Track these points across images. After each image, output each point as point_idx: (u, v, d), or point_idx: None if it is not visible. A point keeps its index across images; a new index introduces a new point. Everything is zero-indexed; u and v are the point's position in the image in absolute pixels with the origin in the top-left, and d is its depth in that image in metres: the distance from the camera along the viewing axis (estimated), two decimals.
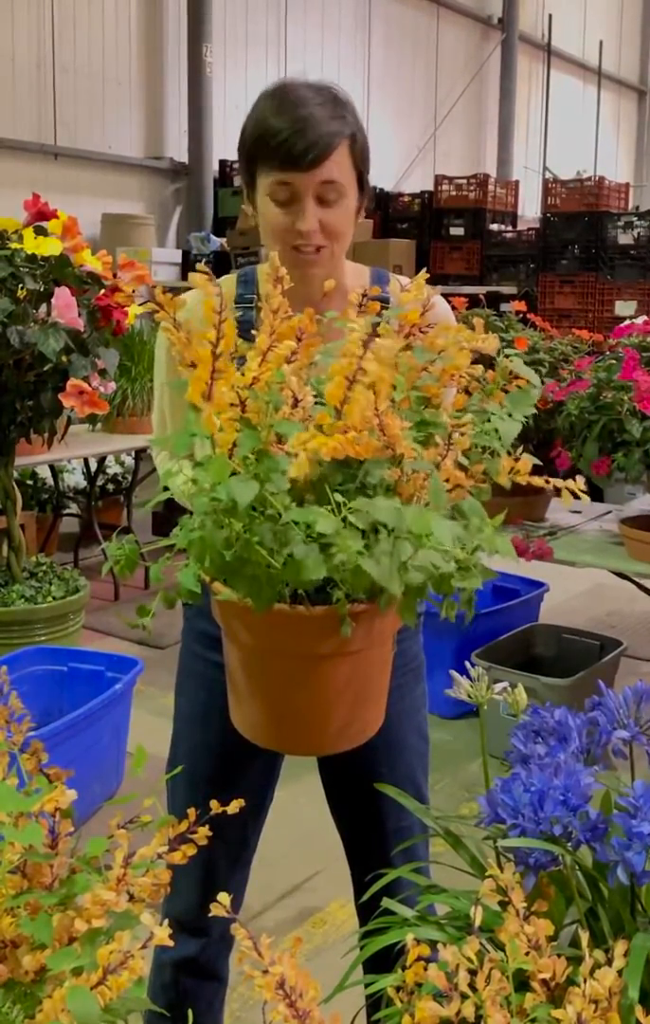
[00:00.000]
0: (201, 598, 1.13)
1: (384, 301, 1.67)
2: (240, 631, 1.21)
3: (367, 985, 1.15)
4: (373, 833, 1.81)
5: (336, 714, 1.24)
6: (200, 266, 1.18)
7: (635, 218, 8.56)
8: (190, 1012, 1.85)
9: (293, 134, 1.52)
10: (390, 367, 1.07)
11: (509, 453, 1.22)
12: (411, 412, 1.19)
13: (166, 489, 1.24)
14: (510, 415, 1.23)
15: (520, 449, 1.23)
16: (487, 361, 1.26)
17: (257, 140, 1.57)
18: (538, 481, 1.23)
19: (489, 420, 1.22)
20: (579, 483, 1.20)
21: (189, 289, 1.78)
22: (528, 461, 1.20)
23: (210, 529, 1.09)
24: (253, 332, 1.17)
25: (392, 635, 1.26)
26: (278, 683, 1.23)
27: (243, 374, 1.13)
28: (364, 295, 1.31)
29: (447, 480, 1.16)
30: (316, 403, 1.12)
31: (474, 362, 1.21)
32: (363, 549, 1.05)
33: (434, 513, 1.09)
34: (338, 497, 1.08)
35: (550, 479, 1.23)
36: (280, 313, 1.14)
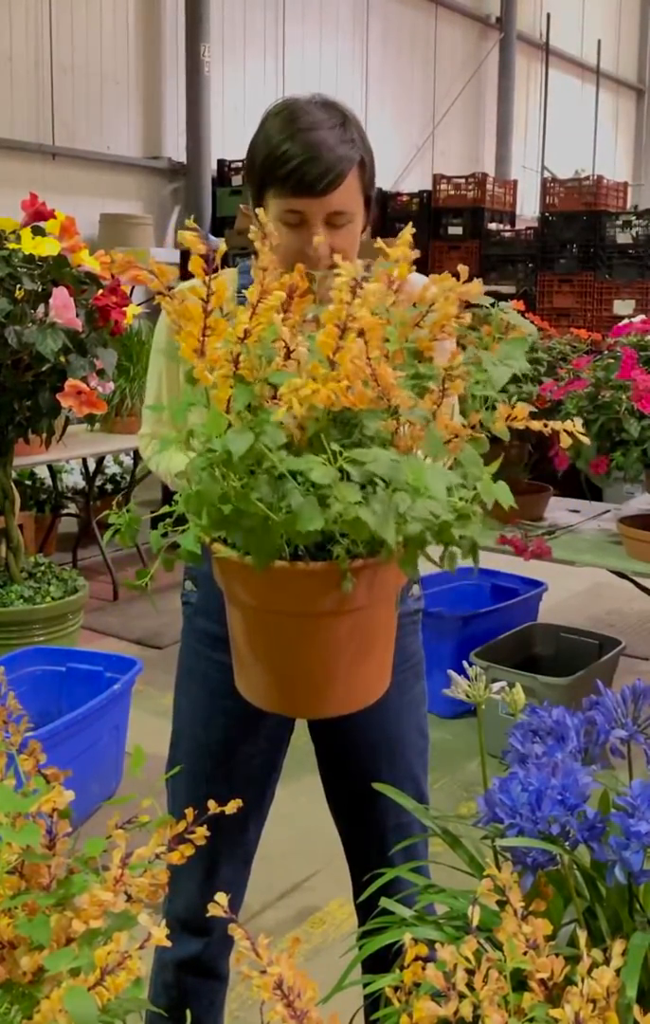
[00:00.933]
0: (202, 560, 1.12)
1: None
2: (241, 592, 1.21)
3: (366, 985, 1.15)
4: (372, 830, 1.81)
5: (339, 674, 1.23)
6: (190, 222, 1.18)
7: (633, 217, 8.56)
8: (191, 1011, 1.85)
9: (306, 162, 1.53)
10: (380, 314, 1.07)
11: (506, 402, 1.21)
12: (405, 365, 1.18)
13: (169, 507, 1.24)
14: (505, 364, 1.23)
15: (514, 398, 1.22)
16: (482, 318, 1.26)
17: (268, 165, 1.57)
18: (536, 425, 1.21)
19: (482, 369, 1.22)
20: (577, 424, 1.19)
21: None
22: (524, 408, 1.19)
23: (207, 483, 1.09)
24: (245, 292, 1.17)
25: (395, 593, 1.25)
26: (281, 644, 1.22)
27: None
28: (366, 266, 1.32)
29: (445, 430, 1.16)
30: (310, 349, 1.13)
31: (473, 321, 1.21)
32: (360, 499, 1.05)
33: (431, 464, 1.09)
34: (334, 446, 1.07)
35: (548, 423, 1.21)
36: (270, 271, 1.14)
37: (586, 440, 1.20)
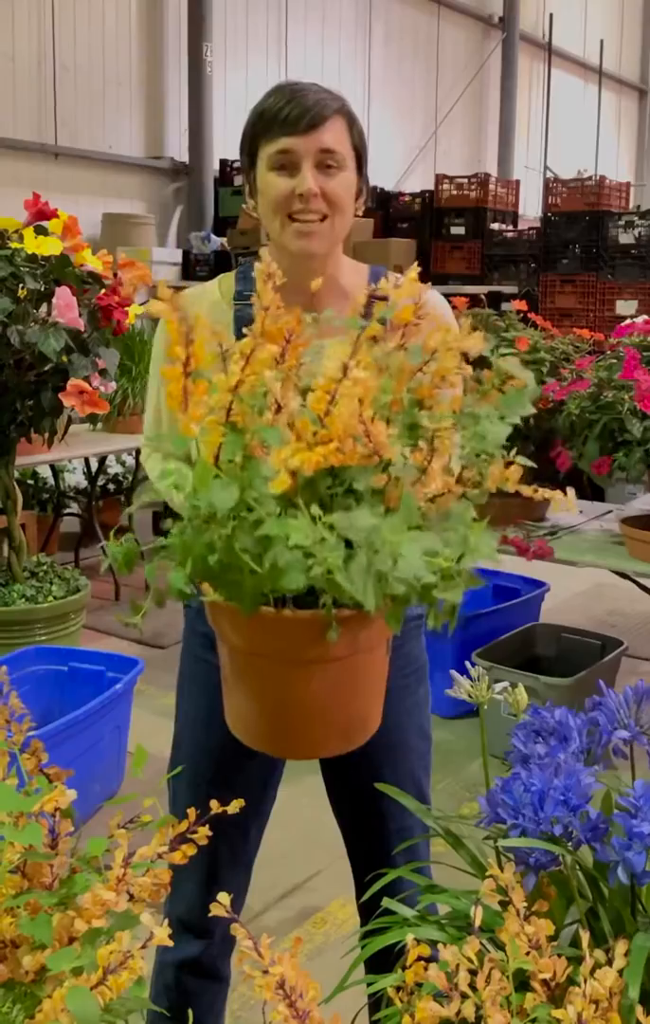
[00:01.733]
0: (191, 596, 1.12)
1: (384, 299, 1.67)
2: (229, 633, 1.21)
3: (369, 985, 1.15)
4: (375, 833, 1.81)
5: (326, 718, 1.23)
6: (163, 283, 1.17)
7: (636, 217, 8.55)
8: (193, 1012, 1.85)
9: (289, 103, 1.60)
10: (367, 389, 1.06)
11: (504, 456, 1.19)
12: (402, 415, 1.17)
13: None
14: (502, 417, 1.21)
15: (514, 451, 1.21)
16: (483, 362, 1.24)
17: (257, 119, 1.63)
18: (527, 490, 1.19)
19: (479, 423, 1.20)
20: (570, 495, 1.17)
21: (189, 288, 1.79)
22: (519, 469, 1.17)
23: (192, 534, 1.08)
24: (246, 331, 1.16)
25: (383, 642, 1.25)
26: (267, 686, 1.22)
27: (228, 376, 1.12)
28: (370, 296, 1.31)
29: (435, 486, 1.14)
30: (302, 405, 1.12)
31: (473, 364, 1.19)
32: (341, 563, 1.04)
33: (410, 531, 1.08)
34: (316, 510, 1.06)
35: (539, 488, 1.19)
36: (271, 311, 1.14)
37: (575, 509, 1.19)
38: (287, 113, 1.59)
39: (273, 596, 1.11)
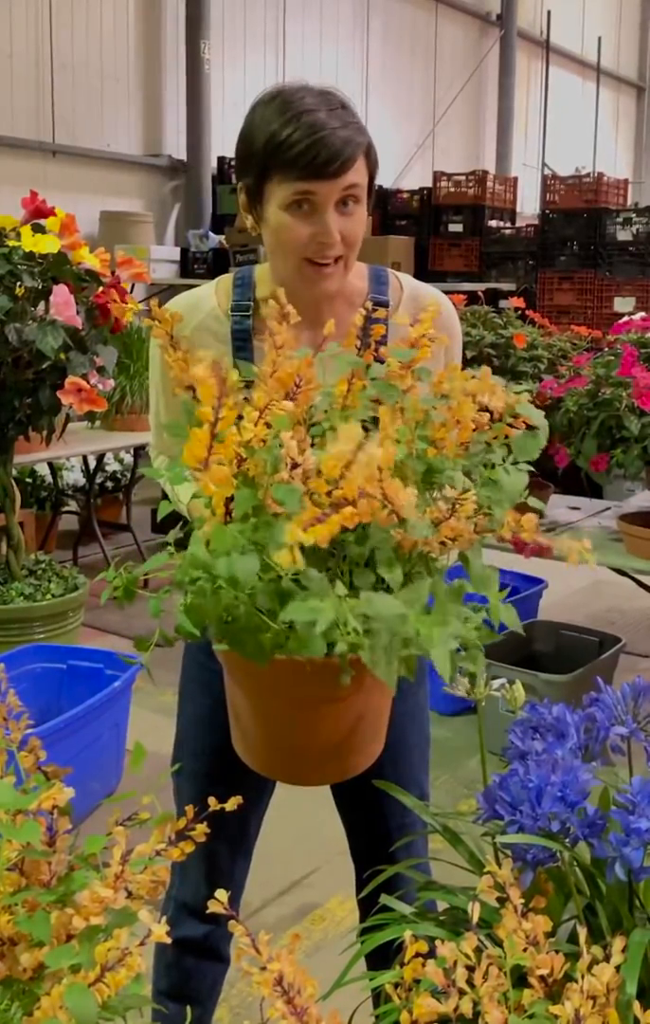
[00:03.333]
0: (200, 638, 1.11)
1: (383, 305, 1.65)
2: (241, 677, 1.22)
3: (371, 980, 1.15)
4: (376, 831, 1.82)
5: (333, 753, 1.26)
6: (155, 302, 1.14)
7: (634, 214, 8.56)
8: (192, 990, 1.88)
9: (314, 143, 1.45)
10: (376, 466, 1.01)
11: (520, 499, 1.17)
12: (415, 460, 1.14)
13: (164, 496, 1.22)
14: (515, 462, 1.18)
15: (526, 493, 1.18)
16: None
17: (270, 151, 1.48)
18: (545, 541, 1.16)
19: (494, 467, 1.17)
20: (586, 544, 1.13)
21: (188, 287, 1.77)
22: (533, 518, 1.14)
23: (209, 599, 1.06)
24: (247, 353, 1.15)
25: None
26: (276, 723, 1.24)
27: (240, 425, 1.09)
28: (366, 318, 1.30)
29: (450, 533, 1.12)
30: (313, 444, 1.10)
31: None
32: (364, 640, 1.03)
33: (439, 627, 1.06)
34: (341, 588, 1.04)
35: (554, 539, 1.16)
36: (284, 351, 1.12)
37: (592, 561, 1.15)
38: (312, 156, 1.45)
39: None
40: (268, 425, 1.10)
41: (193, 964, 1.87)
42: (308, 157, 1.45)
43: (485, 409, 1.16)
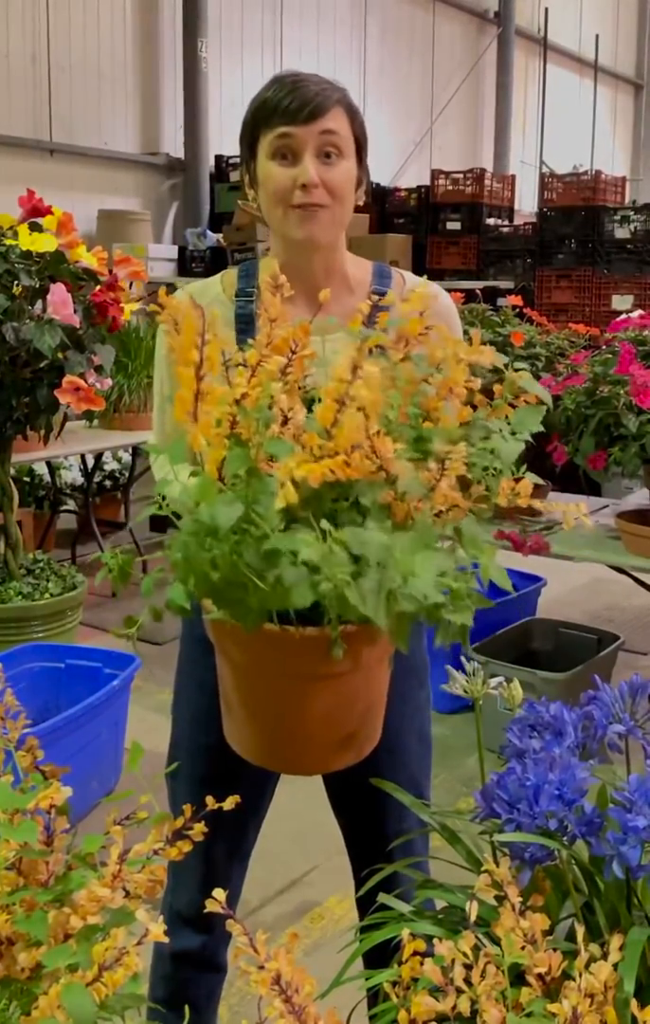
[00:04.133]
0: (191, 613, 1.12)
1: (386, 310, 1.67)
2: (231, 650, 1.20)
3: (367, 979, 1.15)
4: (374, 835, 1.80)
5: (327, 735, 1.23)
6: (163, 291, 1.16)
7: (632, 212, 8.56)
8: (189, 1001, 1.86)
9: (290, 92, 1.58)
10: (381, 390, 1.05)
11: (512, 473, 1.18)
12: (407, 427, 1.16)
13: (162, 498, 1.22)
14: (514, 433, 1.19)
15: (524, 468, 1.19)
16: (495, 371, 1.22)
17: (257, 108, 1.61)
18: (539, 505, 1.19)
19: (489, 438, 1.18)
20: (582, 507, 1.16)
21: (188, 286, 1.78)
22: (528, 482, 1.16)
23: (194, 551, 1.07)
24: (250, 342, 1.15)
25: (387, 657, 1.25)
26: (268, 703, 1.22)
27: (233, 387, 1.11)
28: (373, 306, 1.30)
29: (443, 501, 1.13)
30: (309, 416, 1.11)
31: (489, 372, 1.17)
32: (350, 578, 1.02)
33: (422, 550, 1.07)
34: (326, 524, 1.05)
35: (553, 504, 1.18)
36: (279, 322, 1.13)
37: (588, 521, 1.17)
38: (288, 103, 1.57)
39: (276, 613, 1.11)
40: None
41: (190, 975, 1.86)
42: (285, 103, 1.58)
43: (484, 389, 1.17)
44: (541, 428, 1.21)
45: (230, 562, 1.05)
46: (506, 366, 1.24)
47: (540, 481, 1.19)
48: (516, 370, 1.21)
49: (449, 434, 1.14)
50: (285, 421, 1.09)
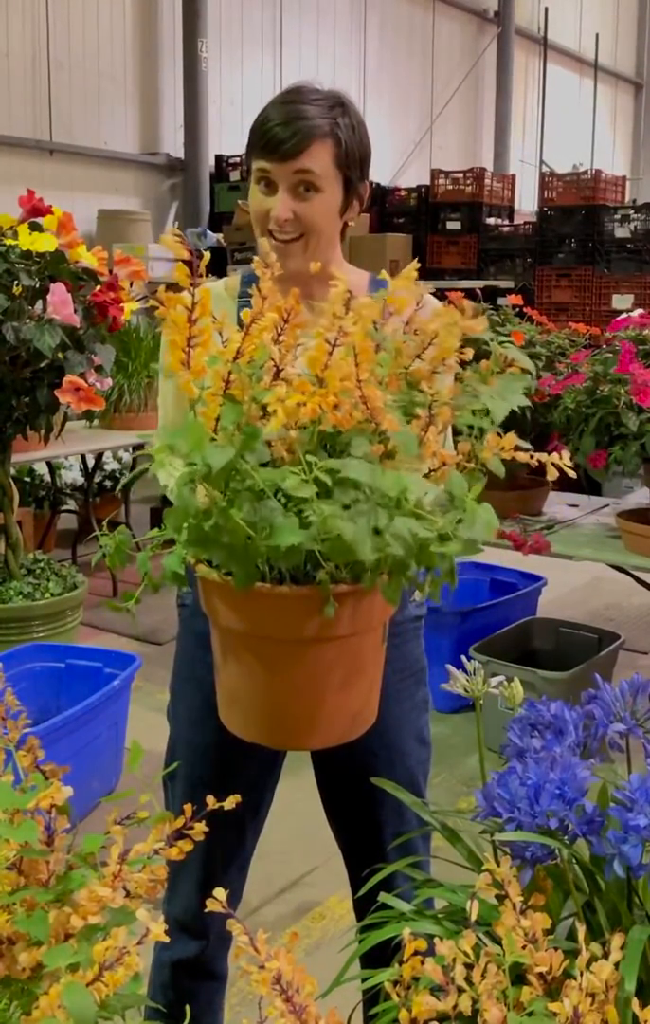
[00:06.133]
0: (185, 580, 1.12)
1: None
2: (224, 614, 1.20)
3: (365, 979, 1.15)
4: (370, 838, 1.79)
5: (323, 705, 1.23)
6: (173, 229, 1.18)
7: (632, 211, 8.56)
8: (190, 1010, 1.85)
9: (277, 125, 1.59)
10: (372, 337, 1.07)
11: (498, 434, 1.20)
12: (400, 394, 1.18)
13: (165, 501, 1.22)
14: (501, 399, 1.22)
15: (510, 435, 1.21)
16: (483, 352, 1.24)
17: (253, 129, 1.64)
18: (523, 457, 1.20)
19: (479, 400, 1.21)
20: (565, 457, 1.18)
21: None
22: (513, 437, 1.18)
23: (187, 498, 1.08)
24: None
25: (381, 621, 1.25)
26: (263, 671, 1.21)
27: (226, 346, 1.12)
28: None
29: (432, 457, 1.15)
30: (300, 375, 1.12)
31: (474, 355, 1.19)
32: (337, 511, 1.04)
33: (409, 474, 1.08)
34: (310, 457, 1.07)
35: (534, 453, 1.19)
36: (270, 299, 1.14)
37: (572, 473, 1.19)
38: (271, 136, 1.59)
39: (270, 574, 1.11)
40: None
41: (188, 985, 1.85)
42: (268, 137, 1.60)
43: (477, 353, 1.18)
44: (526, 401, 1.23)
45: (221, 509, 1.07)
46: (491, 340, 1.25)
47: (526, 445, 1.20)
48: (502, 343, 1.22)
49: (438, 391, 1.17)
50: (277, 374, 1.11)
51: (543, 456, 1.19)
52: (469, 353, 1.18)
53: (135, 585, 1.22)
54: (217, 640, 1.26)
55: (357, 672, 1.24)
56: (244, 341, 1.11)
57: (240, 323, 1.65)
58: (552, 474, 1.18)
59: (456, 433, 1.21)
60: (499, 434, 1.19)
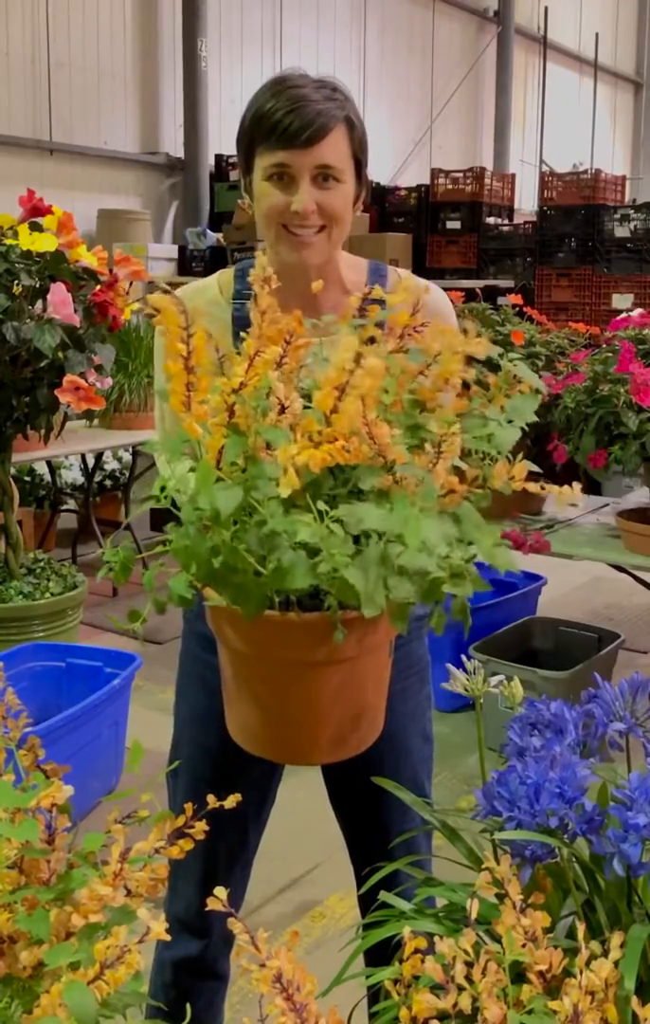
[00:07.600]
0: (193, 603, 1.11)
1: (380, 303, 1.67)
2: (232, 637, 1.20)
3: (367, 978, 1.15)
4: (376, 835, 1.80)
5: (329, 723, 1.23)
6: (158, 280, 1.17)
7: (631, 211, 8.56)
8: (191, 1009, 1.85)
9: (289, 113, 1.52)
10: (379, 378, 1.05)
11: (508, 459, 1.18)
12: (403, 416, 1.16)
13: (162, 490, 1.22)
14: (510, 421, 1.19)
15: (520, 456, 1.19)
16: (491, 365, 1.23)
17: (255, 122, 1.56)
18: (533, 488, 1.18)
19: (487, 425, 1.19)
20: (576, 489, 1.16)
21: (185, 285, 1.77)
22: (524, 466, 1.16)
23: (195, 537, 1.07)
24: (244, 335, 1.16)
25: (387, 643, 1.24)
26: (270, 691, 1.22)
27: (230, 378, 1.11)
28: (364, 298, 1.30)
29: (441, 487, 1.13)
30: (305, 407, 1.11)
31: (483, 364, 1.18)
32: (349, 558, 1.03)
33: (425, 515, 1.07)
34: (322, 505, 1.06)
35: (546, 485, 1.19)
36: (268, 315, 1.13)
37: (580, 496, 1.18)
38: (287, 125, 1.51)
39: (277, 599, 1.11)
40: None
41: (189, 984, 1.85)
42: (283, 126, 1.52)
43: (485, 364, 1.17)
44: (536, 418, 1.21)
45: (230, 548, 1.06)
46: (500, 356, 1.25)
47: (536, 469, 1.19)
48: (510, 360, 1.21)
49: (445, 419, 1.15)
50: (283, 410, 1.10)
51: (553, 488, 1.17)
52: (471, 373, 1.16)
53: (137, 586, 1.22)
54: (225, 659, 1.26)
55: (363, 691, 1.24)
56: (247, 373, 1.10)
57: (236, 333, 1.64)
58: (561, 503, 1.17)
59: (464, 455, 1.19)
60: (509, 459, 1.17)
